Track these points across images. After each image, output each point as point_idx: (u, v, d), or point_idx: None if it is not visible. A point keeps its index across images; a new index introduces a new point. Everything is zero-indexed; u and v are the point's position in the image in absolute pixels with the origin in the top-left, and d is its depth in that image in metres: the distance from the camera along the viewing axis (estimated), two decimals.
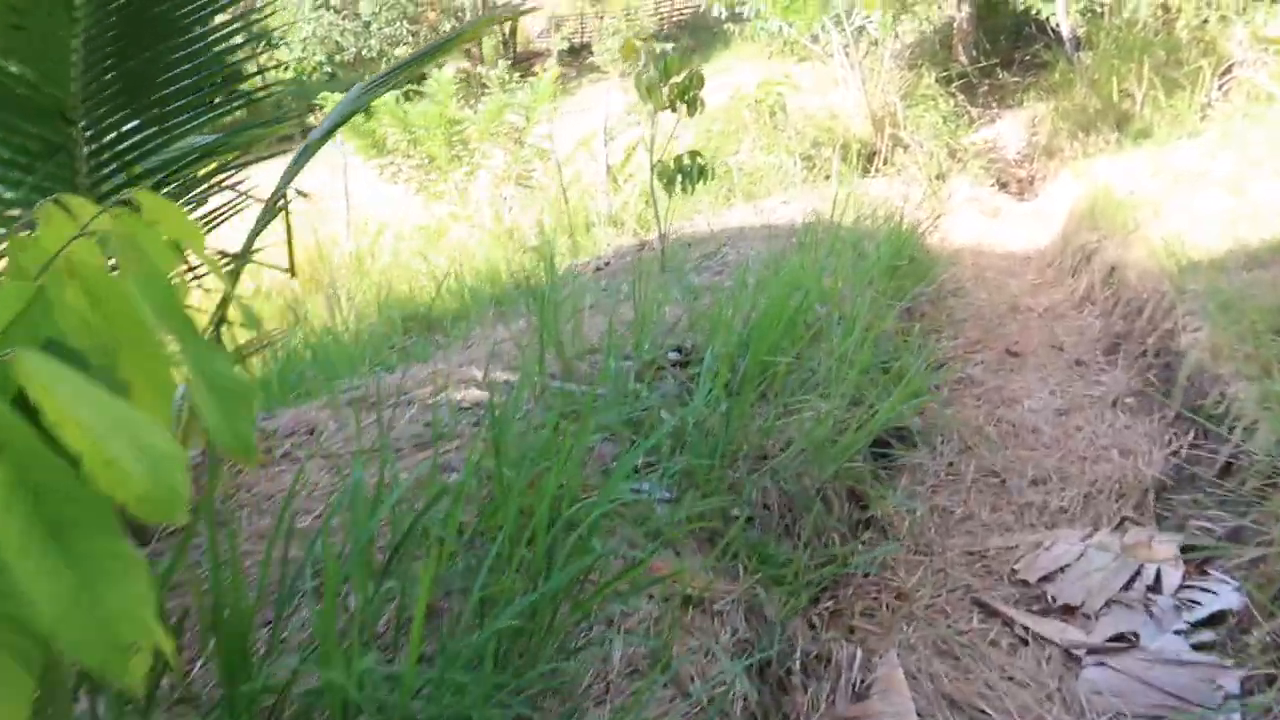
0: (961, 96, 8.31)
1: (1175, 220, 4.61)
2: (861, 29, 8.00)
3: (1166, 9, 8.19)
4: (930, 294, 4.85)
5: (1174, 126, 6.91)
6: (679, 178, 3.81)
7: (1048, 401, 3.49)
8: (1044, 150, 8.19)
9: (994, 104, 10.65)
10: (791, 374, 2.78)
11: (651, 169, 3.89)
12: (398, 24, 19.30)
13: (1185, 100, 7.01)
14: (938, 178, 7.19)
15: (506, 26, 26.41)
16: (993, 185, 7.37)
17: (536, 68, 19.76)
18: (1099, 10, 8.69)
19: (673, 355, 3.00)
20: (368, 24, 19.23)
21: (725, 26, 11.39)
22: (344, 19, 19.44)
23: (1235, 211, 4.35)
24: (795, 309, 3.15)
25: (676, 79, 3.75)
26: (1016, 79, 10.89)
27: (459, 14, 20.57)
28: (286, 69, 28.48)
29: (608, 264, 5.77)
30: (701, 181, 3.86)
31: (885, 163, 7.19)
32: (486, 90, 8.18)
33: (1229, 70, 6.95)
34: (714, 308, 3.29)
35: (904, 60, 8.41)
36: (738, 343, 3.01)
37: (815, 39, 7.83)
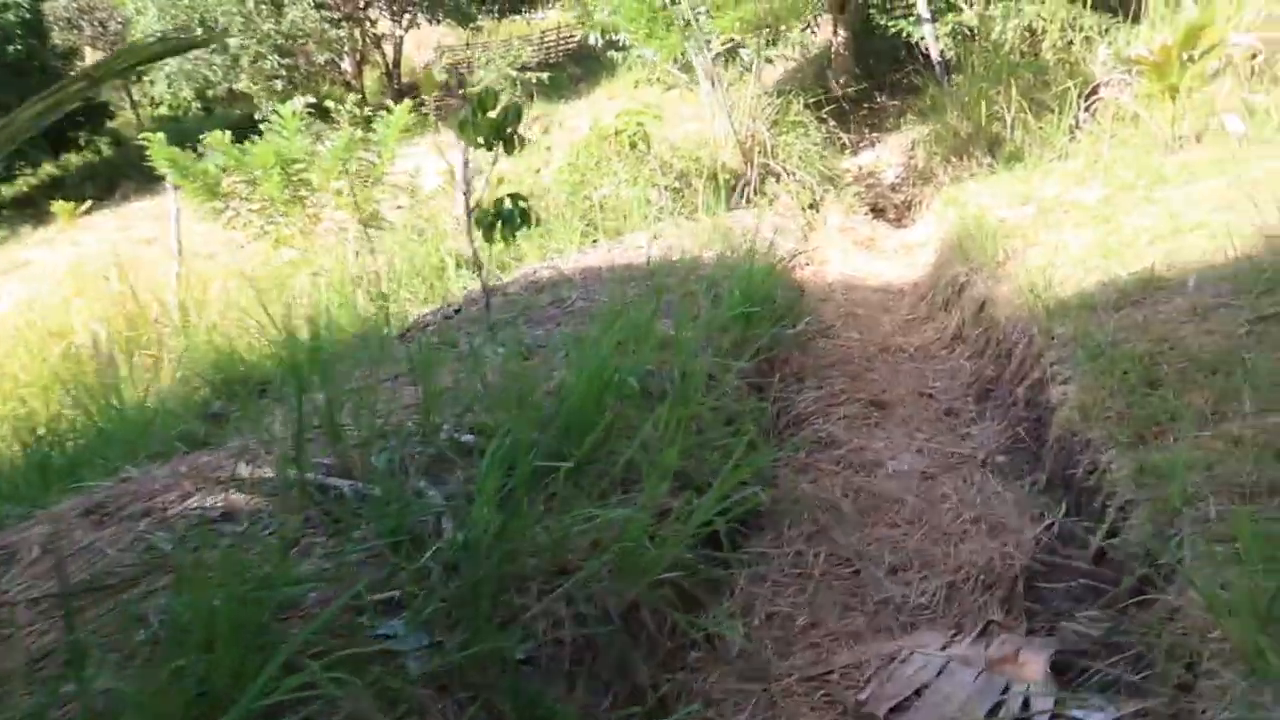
0: (834, 123, 8.10)
1: (1045, 251, 4.36)
2: (733, 54, 7.74)
3: (1032, 31, 8.15)
4: (795, 337, 4.50)
5: (1044, 149, 6.80)
6: (498, 223, 3.35)
7: (913, 463, 3.13)
8: (919, 175, 8.03)
9: (871, 129, 10.56)
10: (602, 460, 2.34)
11: (468, 214, 3.42)
12: (269, 58, 18.44)
13: (1054, 122, 6.90)
14: (810, 207, 6.91)
15: (390, 56, 25.76)
16: (867, 213, 7.14)
17: (423, 99, 19.18)
18: (968, 33, 8.62)
19: (468, 439, 2.52)
20: (236, 58, 18.34)
21: (609, 55, 11.06)
22: (211, 53, 18.49)
23: (1105, 242, 4.11)
24: (616, 375, 2.71)
25: (491, 114, 3.29)
26: (895, 103, 10.84)
27: (336, 44, 19.83)
28: (160, 105, 27.25)
29: (458, 311, 5.28)
30: (524, 227, 3.40)
31: (756, 193, 6.88)
32: (337, 126, 7.60)
33: (1095, 91, 6.87)
34: (521, 377, 2.82)
35: (773, 87, 8.18)
36: (538, 422, 2.56)
37: (687, 67, 7.50)
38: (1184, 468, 2.01)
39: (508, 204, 3.39)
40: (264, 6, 17.97)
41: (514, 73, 12.50)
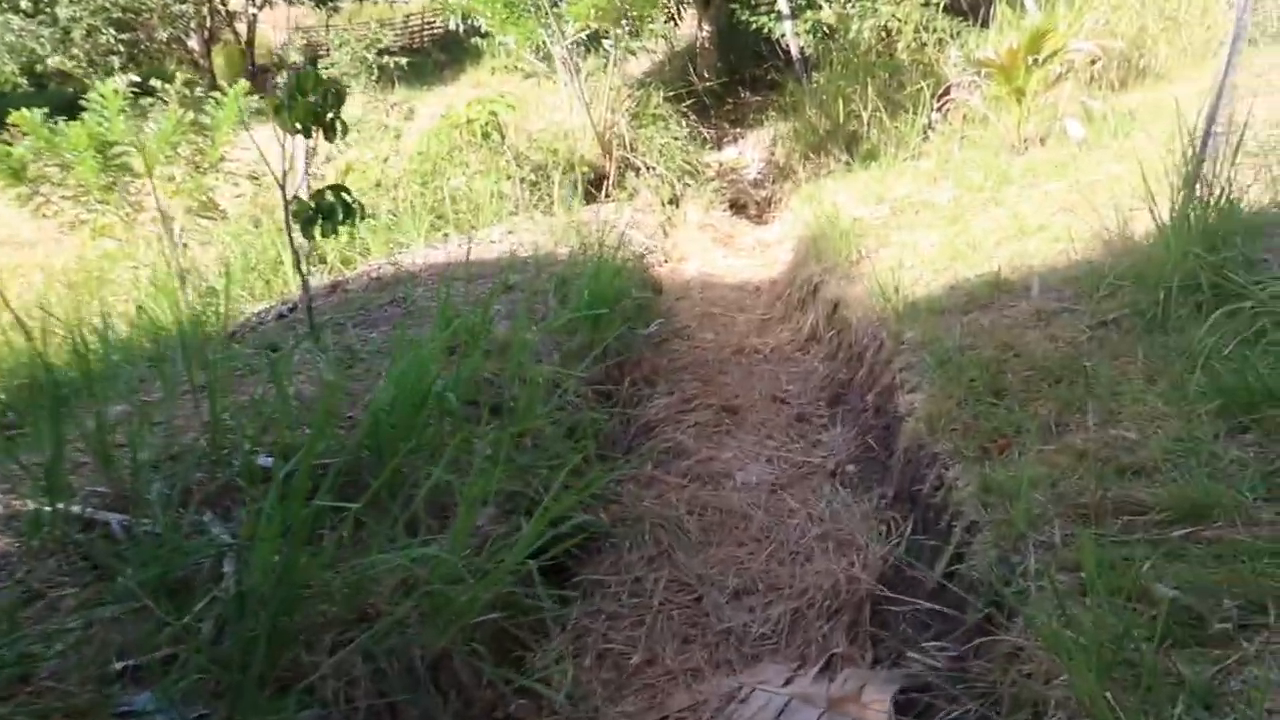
0: (697, 118, 8.00)
1: (897, 252, 4.33)
2: (596, 44, 7.53)
3: (888, 32, 8.25)
4: (648, 339, 4.33)
5: (899, 148, 6.86)
6: (318, 219, 3.03)
7: (762, 474, 2.99)
8: (780, 171, 8.02)
9: (734, 124, 10.55)
10: (413, 485, 2.09)
11: (285, 207, 3.08)
12: (105, 32, 17.09)
13: (908, 122, 6.98)
14: (670, 202, 6.78)
15: (244, 35, 24.41)
16: (727, 209, 7.05)
17: (276, 81, 18.17)
18: (827, 31, 8.66)
19: (266, 462, 2.22)
20: (67, 31, 16.92)
21: (473, 42, 10.63)
22: (38, 25, 16.99)
23: (955, 243, 4.10)
24: (439, 386, 2.46)
25: (309, 98, 2.97)
26: (757, 98, 10.85)
27: (181, 20, 18.59)
28: None
29: (292, 309, 4.89)
30: (348, 222, 3.09)
31: (616, 187, 6.69)
32: (166, 105, 7.00)
33: (947, 92, 6.97)
34: (336, 389, 2.54)
35: (636, 80, 8.03)
36: (344, 441, 2.28)
37: (548, 56, 7.24)
38: (1028, 485, 1.92)
39: (329, 197, 3.08)
40: None
41: (369, 56, 11.91)
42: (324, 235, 3.08)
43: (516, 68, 7.68)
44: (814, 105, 7.88)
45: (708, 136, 8.48)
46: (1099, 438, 2.07)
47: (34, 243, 6.61)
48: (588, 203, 6.40)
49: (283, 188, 3.10)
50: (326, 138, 3.06)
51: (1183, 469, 1.88)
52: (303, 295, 3.31)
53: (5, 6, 16.91)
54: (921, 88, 7.08)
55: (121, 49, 17.47)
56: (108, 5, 16.86)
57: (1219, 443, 1.92)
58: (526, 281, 4.58)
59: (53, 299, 5.63)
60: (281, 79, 3.23)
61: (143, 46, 18.45)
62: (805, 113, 7.96)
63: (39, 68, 18.45)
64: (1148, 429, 2.06)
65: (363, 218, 3.17)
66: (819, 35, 8.72)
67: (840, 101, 7.33)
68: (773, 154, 8.83)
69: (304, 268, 3.29)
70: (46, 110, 6.47)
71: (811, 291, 4.58)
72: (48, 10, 16.97)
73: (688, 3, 11.58)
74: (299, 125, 3.03)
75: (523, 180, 6.19)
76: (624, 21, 6.56)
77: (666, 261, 5.91)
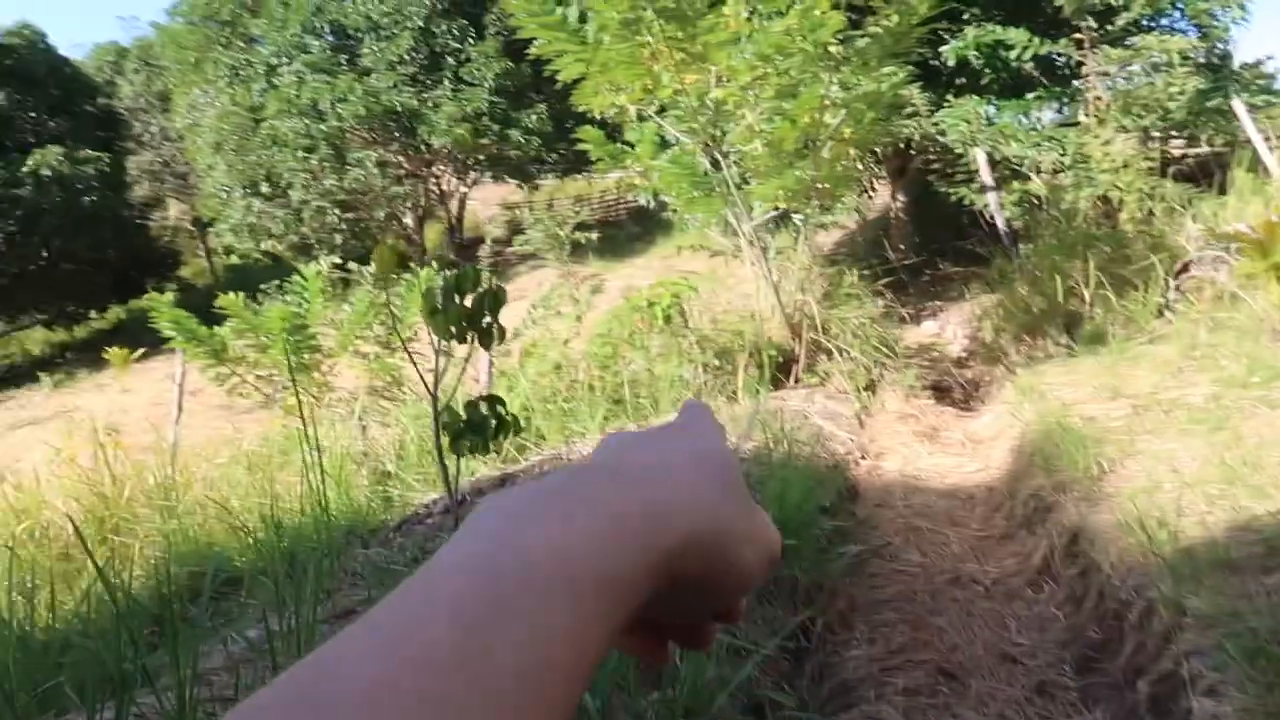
0: (893, 294, 7.51)
1: (1149, 466, 3.59)
2: (785, 220, 7.27)
3: (1107, 201, 7.57)
4: (845, 562, 3.73)
5: (1129, 330, 6.08)
6: (467, 434, 2.72)
7: None
8: (987, 352, 7.33)
9: (933, 298, 9.96)
10: None
11: (435, 420, 2.80)
12: (330, 212, 18.80)
13: (1139, 300, 6.21)
14: (866, 388, 6.22)
15: (454, 210, 26.35)
16: (930, 396, 6.41)
17: (479, 253, 19.30)
18: (1036, 202, 8.08)
19: None
20: (298, 212, 18.73)
21: (665, 214, 10.75)
22: (275, 206, 18.93)
23: (1225, 458, 3.33)
24: None
25: (466, 300, 2.72)
26: (958, 269, 10.27)
27: (397, 200, 20.22)
28: (230, 254, 28.09)
29: (463, 500, 4.64)
30: (503, 436, 2.77)
31: (806, 371, 6.23)
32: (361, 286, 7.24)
33: (1185, 268, 6.18)
34: None
35: (826, 255, 7.68)
36: None
37: (735, 233, 7.03)
38: None
39: (483, 409, 2.77)
40: (327, 164, 18.47)
41: (561, 232, 12.27)
42: (472, 451, 2.76)
43: (703, 246, 7.51)
44: (1025, 281, 7.23)
45: (905, 315, 7.94)
46: None
47: (226, 422, 6.81)
48: (775, 388, 5.95)
49: (434, 398, 2.83)
50: (483, 344, 2.78)
51: None
52: (451, 504, 2.98)
53: (249, 192, 18.98)
54: (1152, 262, 6.33)
55: (344, 226, 19.11)
56: (333, 189, 18.56)
57: None
58: None
59: (235, 480, 5.68)
60: (438, 279, 3.02)
61: (363, 224, 20.12)
62: (1015, 288, 7.31)
63: (271, 243, 20.44)
64: None
65: (517, 431, 2.84)
66: (1027, 206, 8.14)
67: (1056, 277, 6.66)
68: (978, 331, 8.16)
69: (451, 481, 2.97)
70: (266, 287, 6.81)
71: (1040, 511, 3.86)
72: (283, 194, 18.88)
73: (881, 175, 11.31)
74: (454, 329, 2.77)
75: (705, 365, 5.85)
76: (814, 199, 6.25)
77: (864, 458, 5.32)
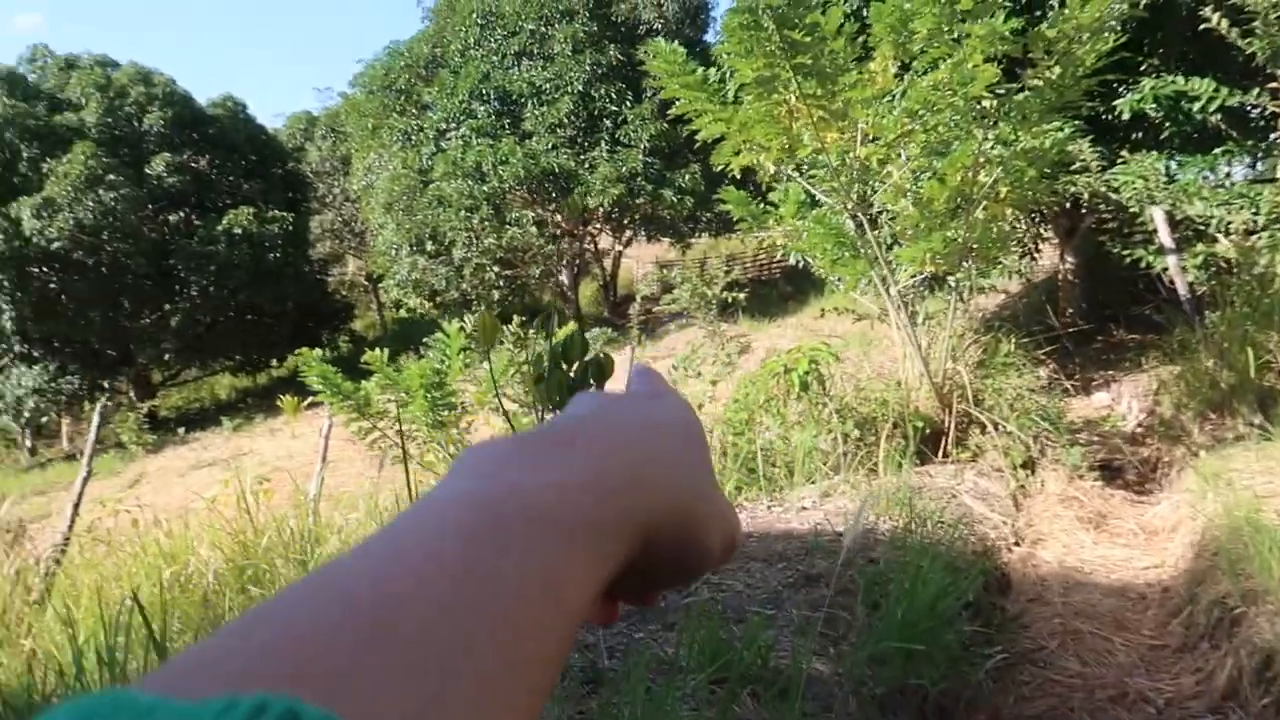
0: (1056, 364, 6.93)
1: None
2: (939, 282, 6.87)
3: None
4: (992, 667, 3.33)
5: None
6: None
7: None
8: (1166, 430, 6.64)
9: (1104, 368, 9.20)
10: None
11: None
12: (489, 269, 19.47)
13: None
14: (1024, 466, 5.70)
15: (609, 268, 26.81)
16: (1097, 477, 5.81)
17: (629, 311, 19.49)
18: (1224, 266, 7.34)
19: None
20: (459, 268, 19.48)
21: (819, 274, 10.51)
22: (439, 264, 19.77)
23: None
24: None
25: (569, 370, 2.59)
26: (1133, 337, 9.48)
27: (553, 258, 20.73)
28: (397, 307, 29.53)
29: None
30: None
31: (955, 445, 5.78)
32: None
33: None
34: None
35: (983, 321, 7.19)
36: None
37: (889, 294, 6.71)
38: None
39: None
40: (487, 223, 19.15)
41: (708, 291, 12.17)
42: None
43: (848, 310, 7.18)
44: (1211, 352, 6.53)
45: (1069, 387, 7.32)
46: None
47: (364, 475, 6.94)
48: (921, 463, 5.55)
49: None
50: None
51: None
52: None
53: (415, 249, 19.89)
54: None
55: (502, 283, 19.72)
56: (492, 247, 19.21)
57: None
58: (834, 571, 3.82)
59: (368, 533, 5.76)
60: (540, 348, 2.91)
61: (520, 281, 20.70)
62: (1199, 360, 6.61)
63: (439, 299, 21.31)
64: None
65: None
66: (1214, 270, 7.40)
67: (1248, 349, 5.97)
68: (1155, 405, 7.43)
69: None
70: (428, 340, 6.92)
71: (1226, 623, 3.34)
72: (446, 252, 19.66)
73: (1047, 235, 10.65)
74: (558, 399, 2.64)
75: (845, 435, 5.51)
76: (967, 262, 5.86)
77: (1017, 544, 4.84)
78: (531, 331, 7.72)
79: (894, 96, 5.50)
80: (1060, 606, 4.06)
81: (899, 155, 5.39)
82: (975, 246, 5.63)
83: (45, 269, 21.16)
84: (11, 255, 20.25)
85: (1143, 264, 8.13)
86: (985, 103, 5.02)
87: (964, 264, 5.86)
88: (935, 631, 2.91)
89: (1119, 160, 8.09)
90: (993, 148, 5.35)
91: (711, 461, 0.45)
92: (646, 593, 0.44)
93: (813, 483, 5.27)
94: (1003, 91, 5.19)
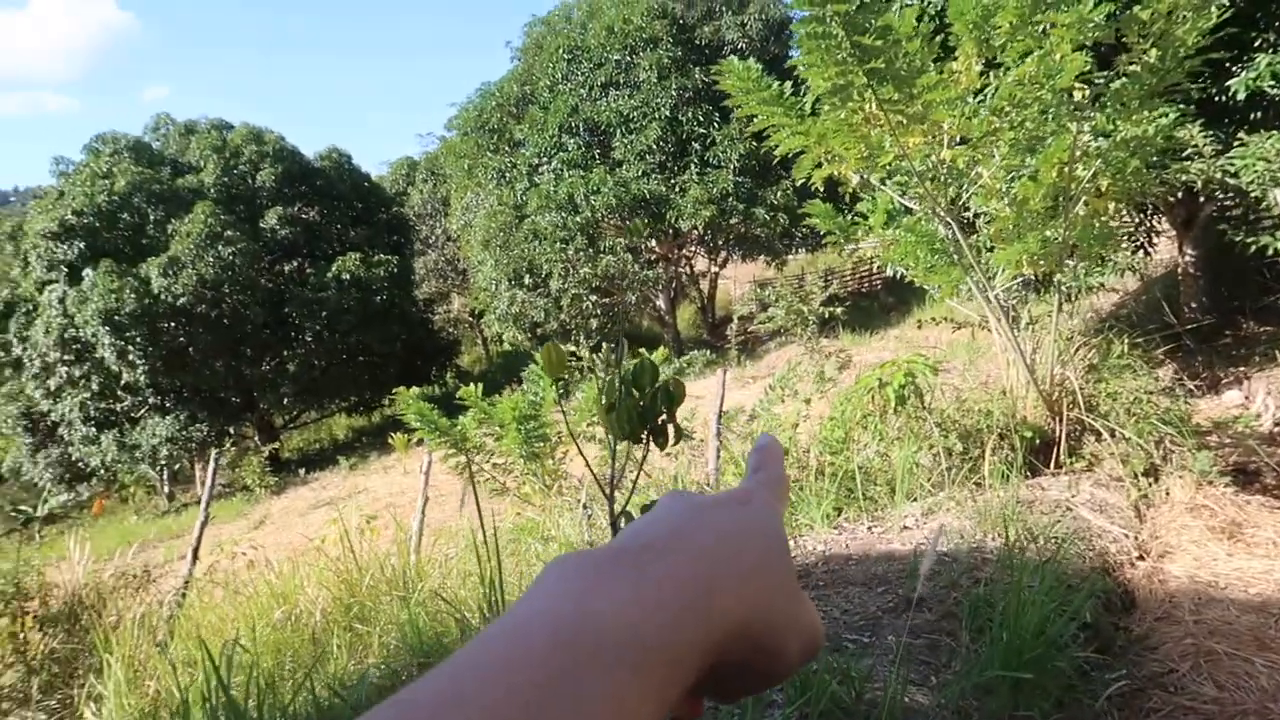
0: (1178, 364, 6.51)
1: None
2: (1046, 284, 6.55)
3: None
4: (1114, 694, 3.09)
5: None
6: None
7: None
8: None
9: (1234, 364, 8.62)
10: None
11: (613, 522, 2.60)
12: (586, 299, 19.67)
13: None
14: (1146, 474, 5.34)
15: (705, 290, 26.74)
16: (1229, 484, 5.39)
17: (727, 332, 19.38)
18: None
19: None
20: (557, 299, 19.74)
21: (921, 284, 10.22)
22: (535, 295, 20.09)
23: None
24: None
25: (639, 398, 2.52)
26: (1266, 329, 8.87)
27: (650, 284, 20.78)
28: (500, 341, 30.11)
29: None
30: None
31: (1069, 455, 5.47)
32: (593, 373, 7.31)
33: None
34: None
35: (1094, 322, 6.82)
36: None
37: (988, 299, 6.44)
38: None
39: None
40: (582, 254, 19.36)
41: (804, 307, 11.97)
42: None
43: (947, 319, 6.92)
44: None
45: (1194, 387, 6.86)
46: None
47: (467, 509, 7.01)
48: (1030, 476, 5.27)
49: (610, 497, 2.63)
50: (657, 444, 2.55)
51: None
52: None
53: (513, 283, 20.25)
54: None
55: (599, 312, 19.87)
56: (588, 277, 19.40)
57: None
58: (937, 594, 3.63)
59: (468, 569, 5.79)
60: (601, 375, 2.85)
61: (617, 308, 20.83)
62: None
63: (538, 330, 21.63)
64: None
65: None
66: None
67: None
68: None
69: None
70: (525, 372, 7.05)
71: None
72: (543, 284, 19.95)
73: (1161, 228, 10.09)
74: (629, 428, 2.58)
75: (948, 450, 5.28)
76: (1070, 261, 5.57)
77: (1140, 559, 4.53)
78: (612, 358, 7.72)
79: (979, 95, 5.29)
80: (1192, 625, 3.76)
81: (989, 155, 5.17)
82: (1076, 245, 5.34)
83: (173, 324, 22.40)
84: (143, 313, 21.50)
85: (1269, 251, 7.61)
86: (1077, 94, 4.77)
87: (1066, 263, 5.56)
88: (1046, 657, 2.71)
89: (1236, 143, 7.60)
90: (1090, 140, 5.08)
91: (793, 568, 0.45)
92: (724, 696, 0.46)
93: (914, 500, 5.06)
94: (1097, 80, 4.92)
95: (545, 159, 21.32)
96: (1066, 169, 5.02)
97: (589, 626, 0.33)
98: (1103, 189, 5.24)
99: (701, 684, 0.39)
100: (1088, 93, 4.80)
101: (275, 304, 23.86)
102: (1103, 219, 5.38)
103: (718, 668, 0.39)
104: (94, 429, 23.11)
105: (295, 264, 25.42)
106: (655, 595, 0.36)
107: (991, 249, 5.75)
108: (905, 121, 4.59)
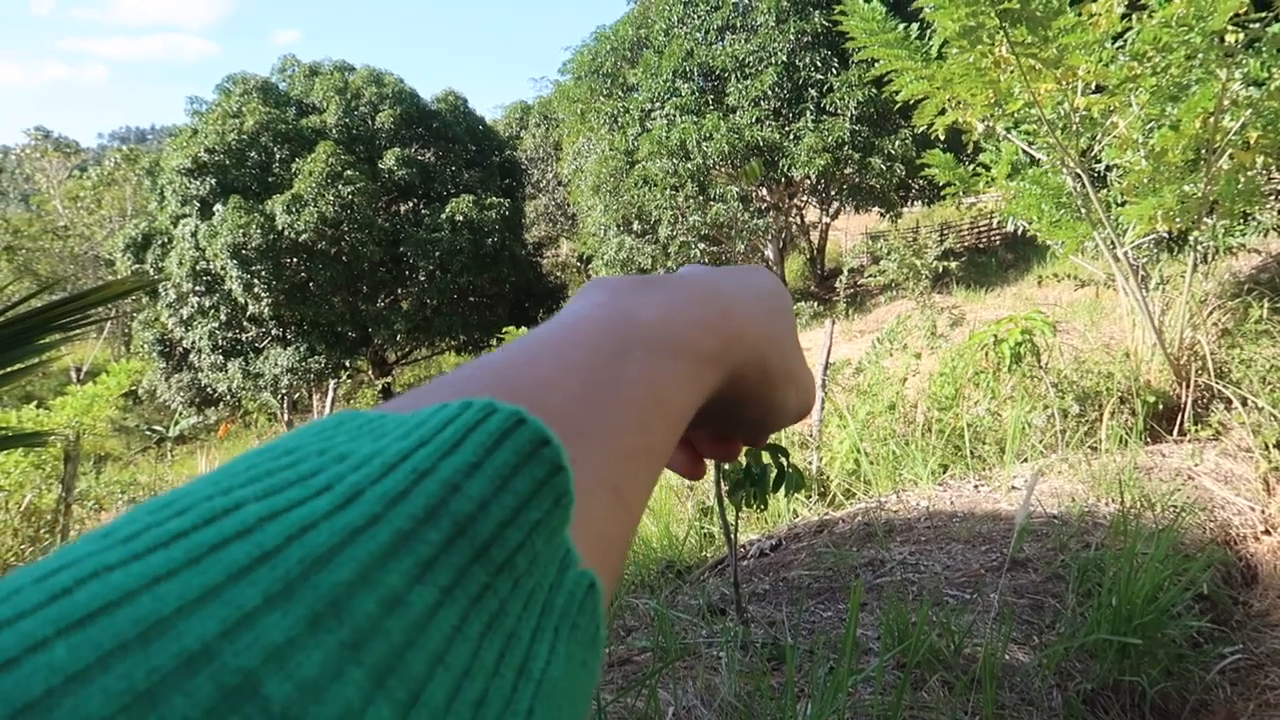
0: None
1: None
2: (1180, 243, 6.20)
3: None
4: (1229, 668, 2.98)
5: None
6: (745, 485, 2.51)
7: None
8: None
9: None
10: None
11: (717, 469, 2.63)
12: (695, 246, 19.60)
13: None
14: (1278, 446, 5.07)
15: (816, 241, 26.25)
16: None
17: (835, 283, 19.03)
18: None
19: None
20: (665, 246, 19.71)
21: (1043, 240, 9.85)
22: (644, 241, 20.10)
23: None
24: None
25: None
26: None
27: (759, 233, 20.53)
28: None
29: (777, 545, 4.46)
30: (784, 492, 2.52)
31: (1194, 423, 5.22)
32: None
33: None
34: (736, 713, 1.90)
35: (1236, 284, 6.43)
36: None
37: (1116, 257, 6.16)
38: None
39: (766, 460, 2.55)
40: (692, 201, 19.23)
41: (918, 261, 11.65)
42: (748, 505, 2.54)
43: (1071, 276, 6.64)
44: None
45: None
46: None
47: None
48: (1151, 442, 5.06)
49: (720, 479, 2.66)
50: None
51: None
52: (732, 569, 2.77)
53: (621, 229, 20.30)
54: None
55: (706, 260, 19.76)
56: (698, 225, 19.28)
57: None
58: (1044, 555, 3.56)
59: None
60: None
61: (725, 257, 20.67)
62: None
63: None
64: None
65: (800, 486, 2.56)
66: None
67: None
68: None
69: (730, 531, 2.76)
70: None
71: None
72: (652, 230, 19.95)
73: None
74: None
75: (1063, 412, 5.11)
76: (1211, 218, 5.27)
77: (1266, 533, 4.32)
78: None
79: (1119, 40, 5.00)
80: None
81: (1126, 104, 4.90)
82: (1217, 201, 5.04)
83: (295, 259, 23.31)
84: (268, 248, 22.43)
85: None
86: (1229, 37, 4.46)
87: (1205, 221, 5.26)
88: (1156, 624, 2.64)
89: None
90: (1240, 88, 4.76)
91: (796, 331, 0.48)
92: (727, 439, 0.51)
93: (1024, 461, 4.93)
94: (1252, 23, 4.59)
95: (658, 104, 21.13)
96: (1212, 119, 4.73)
97: (632, 320, 0.36)
98: (1251, 142, 4.91)
99: (716, 407, 0.42)
100: (1241, 36, 4.48)
101: (391, 243, 24.54)
102: (1249, 174, 5.05)
103: (732, 388, 0.41)
104: (221, 356, 24.38)
105: (411, 204, 26.03)
106: (685, 305, 0.39)
107: (1123, 204, 5.47)
108: (1038, 66, 4.38)
